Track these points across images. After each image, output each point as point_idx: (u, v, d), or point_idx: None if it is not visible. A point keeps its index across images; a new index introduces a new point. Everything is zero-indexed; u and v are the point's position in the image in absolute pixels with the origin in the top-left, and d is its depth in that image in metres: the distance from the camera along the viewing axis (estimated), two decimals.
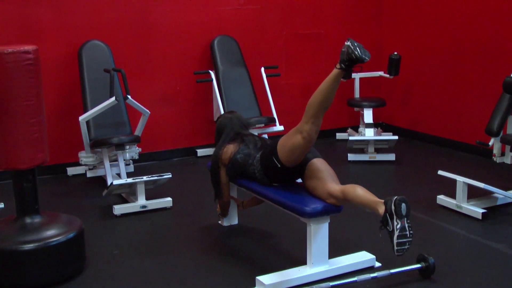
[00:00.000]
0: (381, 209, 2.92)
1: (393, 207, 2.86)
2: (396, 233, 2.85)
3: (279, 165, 3.28)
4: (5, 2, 5.02)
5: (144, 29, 5.59)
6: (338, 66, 3.03)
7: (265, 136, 5.43)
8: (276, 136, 5.77)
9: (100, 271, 3.39)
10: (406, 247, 2.88)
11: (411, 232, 2.88)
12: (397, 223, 2.85)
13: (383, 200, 2.95)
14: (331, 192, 3.13)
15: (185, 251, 3.66)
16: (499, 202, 4.23)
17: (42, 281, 3.14)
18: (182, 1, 5.72)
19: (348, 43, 3.04)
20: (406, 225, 2.87)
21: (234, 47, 5.90)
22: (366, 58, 3.03)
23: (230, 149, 3.65)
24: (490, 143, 4.38)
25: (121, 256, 3.60)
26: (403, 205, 2.86)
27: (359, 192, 3.05)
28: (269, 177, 3.41)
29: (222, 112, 5.40)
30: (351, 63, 3.03)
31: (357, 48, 3.01)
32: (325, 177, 3.22)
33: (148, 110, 4.96)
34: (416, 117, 6.45)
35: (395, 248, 2.87)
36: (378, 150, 5.64)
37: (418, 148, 6.12)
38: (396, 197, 2.89)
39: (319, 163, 3.31)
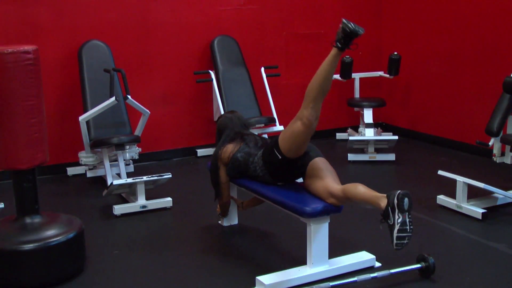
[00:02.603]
0: (383, 203, 2.92)
1: (395, 201, 2.86)
2: (397, 227, 2.85)
3: (280, 157, 3.27)
4: (5, 2, 5.02)
5: (144, 29, 5.59)
6: (334, 44, 3.05)
7: (265, 136, 5.43)
8: (276, 136, 5.82)
9: (100, 271, 3.39)
10: (405, 241, 2.88)
11: (411, 227, 2.88)
12: (398, 217, 2.85)
13: (385, 195, 2.95)
14: (331, 191, 3.13)
15: (185, 251, 3.66)
16: (499, 202, 4.23)
17: (42, 281, 3.14)
18: (182, 1, 5.72)
19: (343, 21, 3.06)
20: (407, 219, 2.87)
21: (234, 47, 5.90)
22: (360, 31, 3.03)
23: (229, 148, 3.65)
24: (490, 143, 4.38)
25: (121, 256, 3.60)
26: (406, 199, 2.87)
27: (360, 189, 3.05)
28: (271, 173, 3.41)
29: (222, 112, 5.40)
30: (346, 39, 3.06)
31: (351, 23, 3.02)
32: (326, 176, 3.22)
33: (148, 110, 4.96)
34: (416, 117, 6.46)
35: (394, 241, 2.87)
36: (378, 150, 5.64)
37: (418, 148, 6.12)
38: (399, 191, 2.89)
39: (321, 162, 3.31)
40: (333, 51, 3.12)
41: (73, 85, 5.31)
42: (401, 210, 2.86)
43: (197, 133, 5.97)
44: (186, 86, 5.83)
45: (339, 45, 3.08)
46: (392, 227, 2.87)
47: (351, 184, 3.10)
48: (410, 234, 2.88)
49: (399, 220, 2.85)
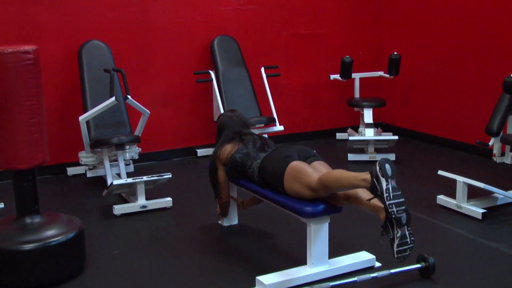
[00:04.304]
0: (382, 215, 2.92)
1: (393, 216, 2.84)
2: (397, 241, 2.86)
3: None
4: (5, 2, 5.02)
5: (144, 29, 5.59)
6: (368, 197, 2.95)
7: (265, 136, 5.43)
8: (276, 136, 5.82)
9: (100, 271, 3.39)
10: (406, 253, 2.90)
11: (412, 239, 2.89)
12: (397, 232, 2.86)
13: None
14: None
15: (185, 251, 3.66)
16: (499, 202, 4.23)
17: (42, 281, 3.14)
18: (182, 1, 5.72)
19: (388, 188, 2.83)
20: (407, 233, 2.87)
21: (234, 47, 5.89)
22: (403, 221, 2.85)
23: (228, 148, 3.65)
24: (490, 143, 4.38)
25: (121, 256, 3.60)
26: (404, 215, 2.86)
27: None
28: (267, 185, 3.43)
29: (222, 112, 5.40)
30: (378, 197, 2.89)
31: (400, 214, 2.82)
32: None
33: (148, 110, 4.96)
34: (416, 117, 6.46)
35: (396, 255, 2.89)
36: (378, 150, 5.64)
37: (418, 148, 6.12)
38: (396, 208, 2.87)
39: (320, 165, 3.31)
40: (363, 185, 2.92)
41: (73, 85, 5.31)
42: (399, 225, 2.85)
43: (197, 133, 5.97)
44: (186, 86, 5.83)
45: (372, 194, 2.91)
46: (392, 241, 2.89)
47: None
48: (411, 245, 2.89)
49: (398, 235, 2.86)
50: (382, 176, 2.83)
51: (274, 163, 3.33)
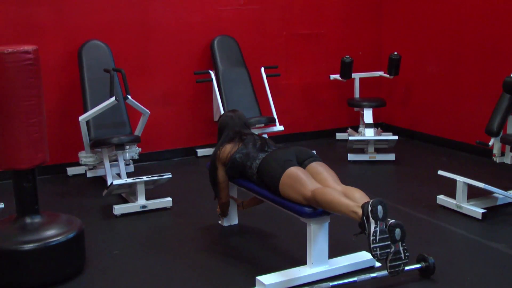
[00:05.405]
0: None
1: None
2: (390, 257, 2.85)
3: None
4: (5, 2, 5.02)
5: (144, 29, 5.59)
6: (355, 233, 2.94)
7: (265, 136, 5.43)
8: (276, 136, 5.82)
9: (100, 271, 3.39)
10: (400, 268, 2.89)
11: (407, 254, 2.88)
12: (391, 248, 2.85)
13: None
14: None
15: (185, 251, 3.66)
16: (499, 202, 4.23)
17: (42, 281, 3.14)
18: (182, 1, 5.72)
19: (376, 231, 2.80)
20: (401, 248, 2.87)
21: (234, 47, 5.89)
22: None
23: (228, 148, 3.66)
24: (490, 143, 4.38)
25: (121, 256, 3.60)
26: (397, 230, 2.85)
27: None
28: (265, 186, 3.43)
29: (222, 112, 5.40)
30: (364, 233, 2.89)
31: (384, 256, 2.83)
32: (325, 178, 3.22)
33: (148, 110, 4.96)
34: (416, 117, 6.45)
35: (388, 270, 2.88)
36: (378, 150, 5.64)
37: (418, 148, 6.12)
38: (392, 221, 2.86)
39: (318, 166, 3.31)
40: (353, 216, 2.92)
41: (73, 85, 5.31)
42: (393, 241, 2.84)
43: (197, 133, 5.97)
44: (186, 86, 5.83)
45: (360, 228, 2.89)
46: (386, 257, 2.87)
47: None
48: (405, 261, 2.89)
49: (392, 250, 2.85)
50: (373, 218, 2.81)
51: (272, 166, 3.32)
